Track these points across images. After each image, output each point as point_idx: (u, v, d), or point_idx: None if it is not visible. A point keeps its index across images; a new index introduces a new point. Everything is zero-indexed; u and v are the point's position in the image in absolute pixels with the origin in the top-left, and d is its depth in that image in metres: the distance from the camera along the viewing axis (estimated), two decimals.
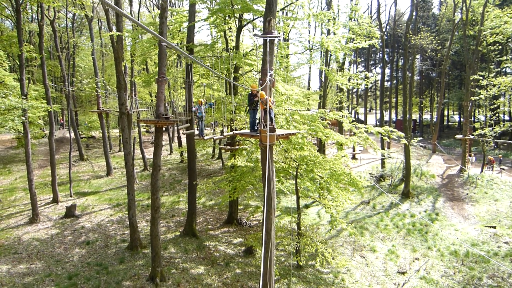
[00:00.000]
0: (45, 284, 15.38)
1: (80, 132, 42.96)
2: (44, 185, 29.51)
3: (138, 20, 40.74)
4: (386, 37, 51.76)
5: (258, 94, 10.34)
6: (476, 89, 32.81)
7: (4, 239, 19.86)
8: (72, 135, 34.10)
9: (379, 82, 57.03)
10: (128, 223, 20.17)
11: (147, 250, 18.62)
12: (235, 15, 20.34)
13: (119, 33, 18.30)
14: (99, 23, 49.43)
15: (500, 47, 36.27)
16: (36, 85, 39.52)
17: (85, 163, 37.71)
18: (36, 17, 32.96)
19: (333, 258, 16.93)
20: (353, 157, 39.77)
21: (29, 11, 35.25)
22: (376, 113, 72.04)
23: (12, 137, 41.85)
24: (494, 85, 30.13)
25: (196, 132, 15.23)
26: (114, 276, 16.08)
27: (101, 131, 37.91)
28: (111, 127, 48.93)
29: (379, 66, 68.57)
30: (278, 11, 20.53)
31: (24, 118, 22.35)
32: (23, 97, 22.22)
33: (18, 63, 23.96)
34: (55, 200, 26.00)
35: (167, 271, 16.59)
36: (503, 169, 33.68)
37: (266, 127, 9.85)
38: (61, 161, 36.22)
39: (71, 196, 27.42)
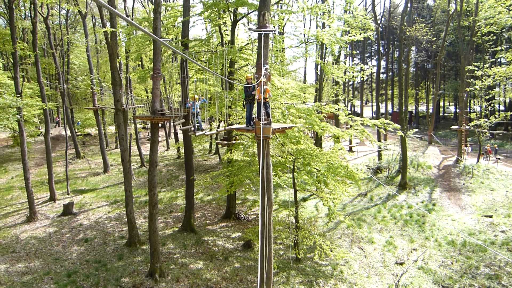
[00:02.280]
0: (44, 282, 15.40)
1: (76, 130, 42.81)
2: (41, 183, 29.42)
3: (132, 15, 40.45)
4: (381, 29, 51.67)
5: (256, 90, 10.29)
6: (472, 79, 32.84)
7: (1, 238, 19.83)
8: (68, 132, 33.98)
9: (375, 74, 56.93)
10: (126, 219, 20.19)
11: (146, 246, 18.66)
12: (230, 9, 20.23)
13: (113, 29, 18.16)
14: (93, 20, 49.01)
15: (494, 37, 36.32)
16: (30, 83, 39.23)
17: (82, 160, 37.60)
18: (29, 14, 32.63)
19: (331, 251, 17.03)
20: (350, 150, 39.86)
21: (22, 8, 34.90)
22: (372, 105, 72.06)
23: (7, 136, 41.66)
24: (489, 76, 30.18)
25: (192, 127, 15.15)
26: (113, 273, 16.11)
27: (97, 128, 37.78)
28: (107, 124, 48.75)
29: (375, 58, 68.58)
30: (272, 5, 20.44)
31: (19, 117, 22.23)
32: (18, 95, 22.10)
33: (12, 61, 23.80)
34: (52, 198, 25.95)
35: (166, 266, 16.64)
36: (499, 158, 33.88)
37: (262, 121, 9.84)
38: (57, 159, 36.09)
39: (68, 194, 27.37)
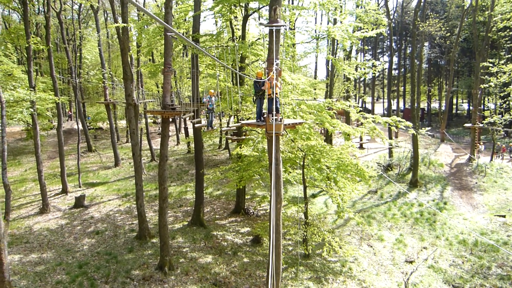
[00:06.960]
0: (56, 272, 15.66)
1: (88, 124, 43.28)
2: (53, 176, 29.86)
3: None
4: (393, 25, 50.97)
5: (265, 84, 10.24)
6: (486, 76, 32.26)
7: (15, 229, 20.21)
8: (80, 126, 34.35)
9: (386, 70, 56.37)
10: (136, 213, 20.40)
11: (156, 240, 18.83)
12: (241, 4, 20.14)
13: (125, 24, 18.25)
14: (105, 14, 49.38)
15: (511, 33, 35.51)
16: (43, 77, 39.74)
17: (93, 154, 38.04)
18: (43, 9, 33.05)
19: (340, 247, 16.96)
20: (360, 147, 39.56)
21: (36, 3, 35.30)
22: (383, 102, 71.32)
23: (21, 129, 42.30)
24: (504, 72, 29.58)
25: (204, 123, 15.12)
26: (124, 265, 16.31)
27: (108, 122, 38.13)
28: (119, 118, 49.18)
29: (387, 54, 67.71)
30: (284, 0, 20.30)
31: (32, 110, 22.54)
32: (31, 89, 22.38)
33: (26, 55, 24.12)
34: (64, 191, 26.33)
35: (175, 260, 16.78)
36: None
37: (273, 116, 9.80)
38: (69, 152, 36.55)
39: (80, 187, 27.73)
